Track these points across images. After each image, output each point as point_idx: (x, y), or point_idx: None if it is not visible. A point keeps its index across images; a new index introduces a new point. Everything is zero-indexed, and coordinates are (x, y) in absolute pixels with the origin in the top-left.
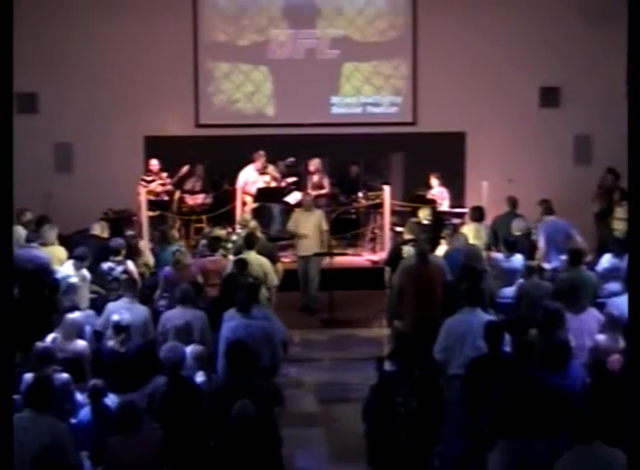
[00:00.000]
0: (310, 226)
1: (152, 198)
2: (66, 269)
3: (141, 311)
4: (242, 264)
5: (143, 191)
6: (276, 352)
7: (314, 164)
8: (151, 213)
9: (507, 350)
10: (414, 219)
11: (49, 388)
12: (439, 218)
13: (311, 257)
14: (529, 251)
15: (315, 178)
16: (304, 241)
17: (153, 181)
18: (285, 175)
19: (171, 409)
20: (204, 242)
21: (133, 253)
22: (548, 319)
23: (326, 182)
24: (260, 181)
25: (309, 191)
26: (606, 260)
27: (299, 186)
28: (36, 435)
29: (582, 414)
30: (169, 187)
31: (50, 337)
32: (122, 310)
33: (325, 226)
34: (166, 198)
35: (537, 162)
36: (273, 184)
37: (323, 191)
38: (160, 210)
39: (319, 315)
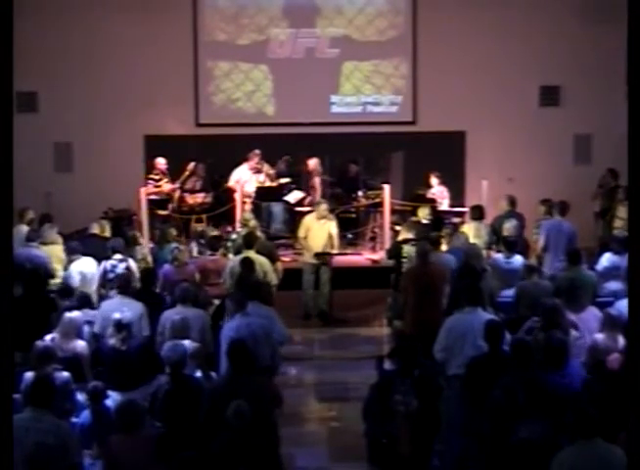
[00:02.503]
0: (323, 235)
1: (155, 197)
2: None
3: (136, 307)
4: (249, 263)
5: (147, 190)
6: (276, 350)
7: (312, 164)
8: (162, 212)
9: (507, 349)
10: (413, 218)
11: (50, 386)
12: (439, 217)
13: (321, 263)
14: (524, 251)
15: (312, 179)
16: (314, 249)
17: (160, 180)
18: (284, 175)
19: (173, 408)
20: (193, 243)
21: (131, 243)
22: (547, 316)
23: (318, 182)
24: (254, 180)
25: (319, 197)
26: (606, 259)
27: (298, 185)
28: (38, 435)
29: (585, 411)
30: (177, 185)
31: (49, 337)
32: (124, 308)
33: (335, 231)
34: (167, 197)
35: (537, 161)
36: (268, 183)
37: (317, 195)
38: (161, 209)
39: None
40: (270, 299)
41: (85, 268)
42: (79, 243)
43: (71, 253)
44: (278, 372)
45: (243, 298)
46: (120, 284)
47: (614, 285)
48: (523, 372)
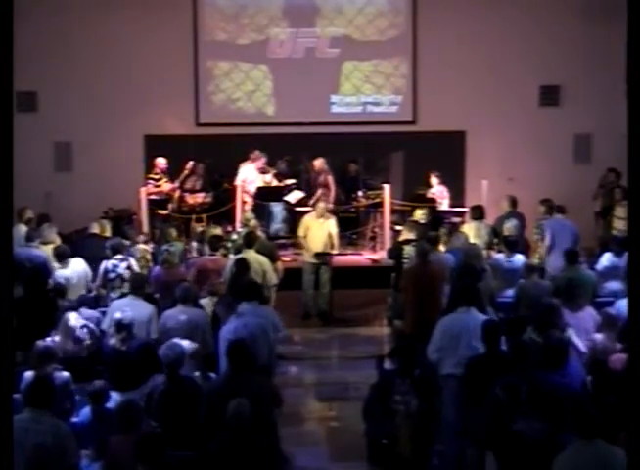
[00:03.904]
0: (323, 234)
1: (155, 197)
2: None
3: (145, 309)
4: (243, 264)
5: (147, 190)
6: (273, 349)
7: (318, 163)
8: (162, 212)
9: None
10: (411, 219)
11: (50, 386)
12: (437, 217)
13: (321, 263)
14: (525, 251)
15: (320, 178)
16: (314, 248)
17: (160, 180)
18: (284, 175)
19: (169, 408)
20: (195, 243)
21: (130, 242)
22: (544, 315)
23: (331, 181)
24: (260, 180)
25: (320, 196)
26: (606, 259)
27: (299, 185)
28: (37, 435)
29: (586, 412)
30: (177, 184)
31: (48, 339)
32: (126, 308)
33: (333, 231)
34: (167, 197)
35: (537, 160)
36: (275, 183)
37: (331, 194)
38: (161, 209)
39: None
40: (263, 298)
41: (70, 272)
42: (67, 246)
43: (62, 258)
44: (275, 372)
45: (232, 301)
46: (134, 285)
47: (614, 285)
48: (522, 372)
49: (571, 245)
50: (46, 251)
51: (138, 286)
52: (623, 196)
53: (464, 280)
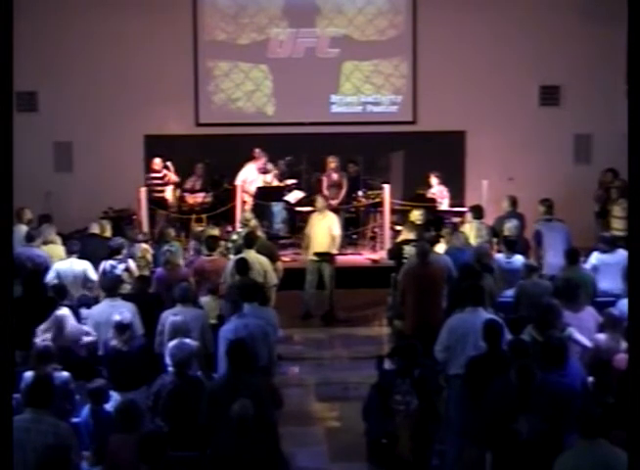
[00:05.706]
0: (324, 230)
1: (164, 196)
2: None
3: (127, 309)
4: (243, 265)
5: (144, 190)
6: (273, 350)
7: (334, 161)
8: (163, 212)
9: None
10: (409, 220)
11: (49, 386)
12: (439, 217)
13: (323, 261)
14: (525, 251)
15: (335, 176)
16: (317, 246)
17: (163, 178)
18: (285, 175)
19: (177, 407)
20: (193, 243)
21: (130, 242)
22: (544, 315)
23: (345, 181)
24: (260, 180)
25: (326, 191)
26: (594, 258)
27: (299, 185)
28: (39, 435)
29: (589, 412)
30: (177, 179)
31: (45, 335)
32: (122, 309)
33: (335, 230)
34: (166, 197)
35: (537, 160)
36: (275, 183)
37: (342, 193)
38: (161, 208)
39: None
40: (264, 299)
41: (63, 268)
42: (78, 242)
43: (70, 252)
44: (275, 372)
45: (238, 299)
46: (108, 287)
47: (604, 284)
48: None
49: (562, 245)
50: (47, 251)
51: (111, 287)
52: (620, 195)
53: (470, 280)
